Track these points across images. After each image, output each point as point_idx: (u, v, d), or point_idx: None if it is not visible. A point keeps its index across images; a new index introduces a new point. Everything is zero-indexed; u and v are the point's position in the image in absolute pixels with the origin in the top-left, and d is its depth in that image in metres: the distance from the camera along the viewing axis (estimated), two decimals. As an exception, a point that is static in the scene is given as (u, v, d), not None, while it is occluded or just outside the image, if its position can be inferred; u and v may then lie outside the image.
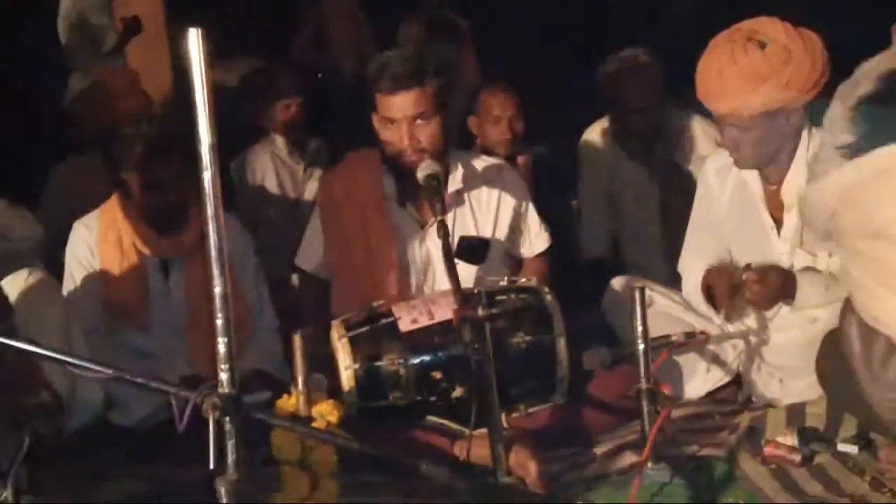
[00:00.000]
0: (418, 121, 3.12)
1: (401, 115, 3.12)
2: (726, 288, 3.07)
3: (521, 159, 4.27)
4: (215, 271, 1.82)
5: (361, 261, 3.29)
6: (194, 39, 1.80)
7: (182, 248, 3.38)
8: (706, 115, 3.77)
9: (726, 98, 3.00)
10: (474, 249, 2.90)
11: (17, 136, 4.94)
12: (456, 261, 2.76)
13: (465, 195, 3.31)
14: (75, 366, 2.02)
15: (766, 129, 3.04)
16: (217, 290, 1.82)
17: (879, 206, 0.55)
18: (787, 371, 3.16)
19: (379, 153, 3.28)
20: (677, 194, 3.99)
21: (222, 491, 1.70)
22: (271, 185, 4.60)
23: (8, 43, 5.42)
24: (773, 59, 2.96)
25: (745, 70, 2.96)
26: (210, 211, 1.82)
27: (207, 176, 1.81)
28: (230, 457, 1.80)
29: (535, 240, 3.47)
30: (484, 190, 3.35)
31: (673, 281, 3.50)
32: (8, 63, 5.39)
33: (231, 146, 4.77)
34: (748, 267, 3.07)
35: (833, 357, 2.80)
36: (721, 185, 3.29)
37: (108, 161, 3.48)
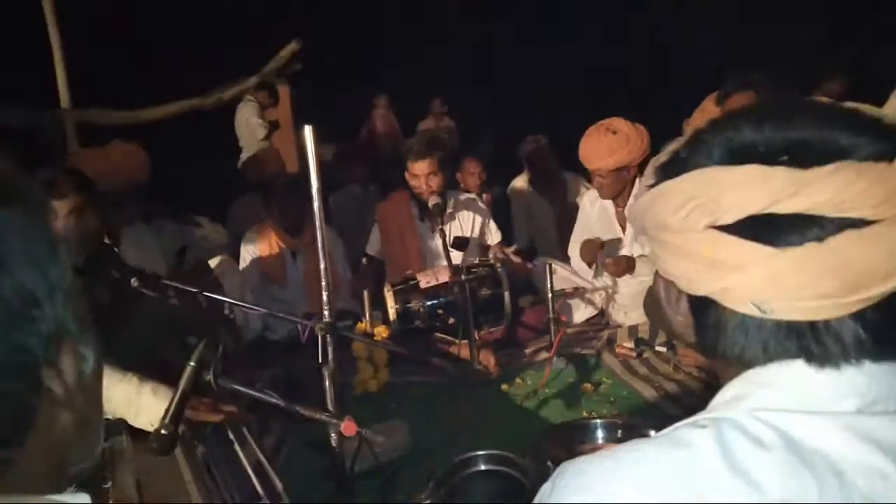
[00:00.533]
0: (430, 175, 3.09)
1: (420, 173, 3.09)
2: (590, 251, 3.06)
3: (485, 195, 4.26)
4: (321, 255, 1.81)
5: (400, 251, 3.27)
6: (308, 133, 1.78)
7: (301, 245, 3.36)
8: (580, 172, 3.78)
9: (595, 161, 2.99)
10: (462, 243, 2.89)
11: (213, 185, 4.94)
12: (451, 250, 2.76)
13: (456, 214, 3.30)
14: (247, 308, 2.00)
15: (617, 177, 3.03)
16: (322, 265, 1.80)
17: (662, 211, 0.54)
18: (628, 308, 3.15)
19: (408, 192, 3.26)
20: (564, 215, 4.00)
21: (325, 374, 1.69)
22: (350, 211, 4.59)
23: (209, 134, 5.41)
24: (621, 140, 2.95)
25: (605, 146, 2.95)
26: (317, 223, 1.80)
27: (316, 205, 1.79)
28: (329, 355, 1.78)
29: (494, 235, 3.45)
30: (465, 211, 3.34)
31: (562, 260, 3.49)
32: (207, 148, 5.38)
33: (328, 190, 4.77)
34: (602, 246, 3.04)
35: (652, 300, 2.81)
36: (592, 208, 3.28)
37: (263, 198, 3.47)
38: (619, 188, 3.09)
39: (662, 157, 0.73)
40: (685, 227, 0.66)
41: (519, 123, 6.10)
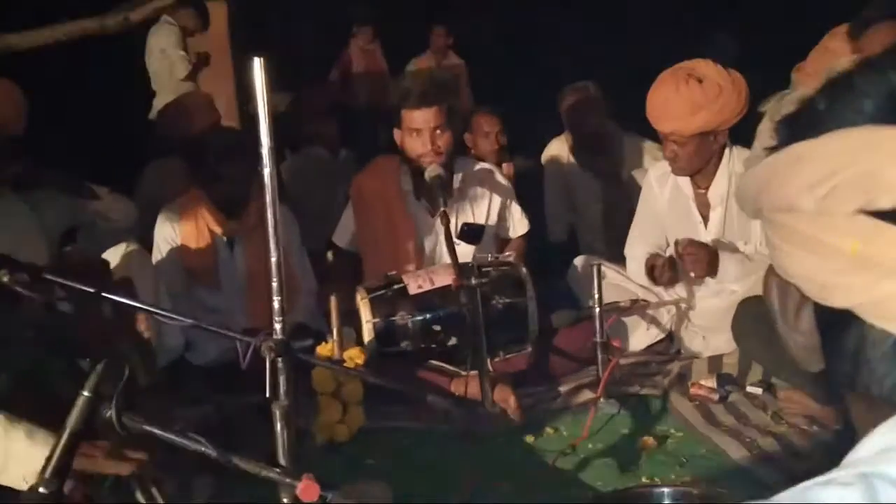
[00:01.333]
0: (437, 131, 3.08)
1: (424, 126, 3.07)
2: (665, 267, 3.08)
3: (505, 165, 4.28)
4: (272, 245, 1.81)
5: (385, 241, 3.27)
6: (258, 66, 1.79)
7: (243, 229, 3.37)
8: (645, 134, 3.80)
9: (670, 121, 2.99)
10: (473, 233, 2.90)
11: (116, 141, 4.94)
12: (458, 242, 2.77)
13: (465, 191, 3.29)
14: (163, 316, 2.02)
15: (699, 145, 3.03)
16: (273, 259, 1.81)
17: (789, 186, 0.54)
18: (708, 330, 3.17)
19: (398, 158, 3.26)
20: (616, 196, 4.01)
21: (276, 413, 1.70)
22: (312, 183, 4.60)
23: (106, 68, 5.43)
24: (709, 92, 2.95)
25: (686, 100, 2.95)
26: (269, 198, 1.80)
27: (267, 172, 1.80)
28: (282, 388, 1.80)
29: (518, 225, 3.45)
30: (478, 188, 3.33)
31: (614, 260, 3.50)
32: (99, 87, 5.40)
33: (281, 153, 4.79)
34: (681, 241, 3.06)
35: (745, 319, 2.82)
36: (661, 189, 3.28)
37: (187, 161, 3.48)
38: (701, 161, 3.09)
39: (788, 106, 0.73)
40: (824, 209, 0.65)
41: (555, 64, 6.12)
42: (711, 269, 3.03)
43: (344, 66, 6.92)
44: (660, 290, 3.27)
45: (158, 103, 5.07)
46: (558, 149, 4.36)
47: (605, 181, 4.17)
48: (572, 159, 4.27)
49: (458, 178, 3.27)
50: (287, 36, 6.80)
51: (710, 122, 2.97)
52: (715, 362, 3.07)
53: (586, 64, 5.03)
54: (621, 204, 3.65)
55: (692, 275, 3.08)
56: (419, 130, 3.09)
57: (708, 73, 2.98)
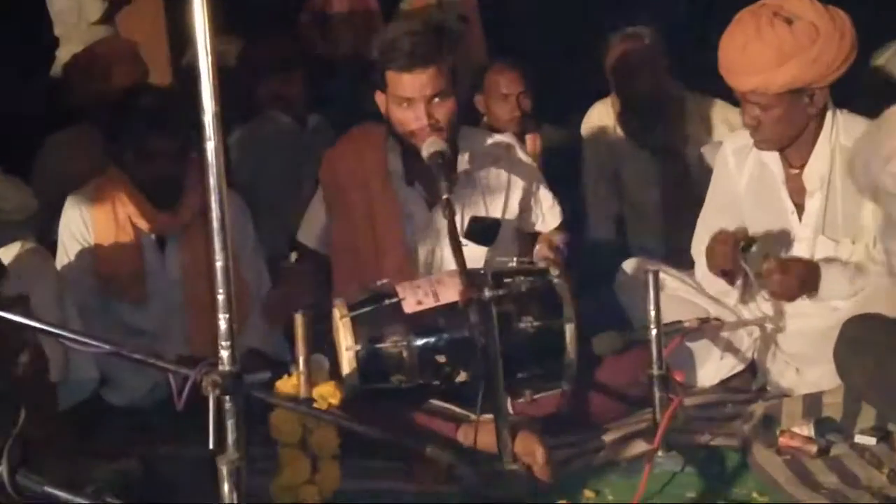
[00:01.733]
0: (436, 99, 3.09)
1: (418, 95, 3.08)
2: (727, 253, 3.06)
3: (529, 137, 4.29)
4: (217, 245, 1.82)
5: (366, 240, 3.29)
6: (199, 5, 1.80)
7: (178, 224, 3.39)
8: (721, 95, 3.79)
9: (750, 74, 3.00)
10: (485, 230, 2.90)
11: (8, 105, 4.94)
12: (465, 242, 2.77)
13: (474, 174, 3.30)
14: (72, 339, 2.03)
15: (790, 108, 3.04)
16: (219, 263, 1.82)
17: None
18: (803, 359, 3.17)
19: (384, 128, 3.27)
20: (679, 178, 4.02)
21: (224, 470, 1.71)
22: (270, 161, 4.60)
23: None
24: (801, 35, 2.96)
25: (771, 46, 2.96)
26: (213, 182, 1.82)
27: (211, 146, 1.81)
28: (230, 436, 1.80)
29: (549, 215, 3.45)
30: (493, 169, 3.34)
31: (677, 264, 3.51)
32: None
33: (230, 121, 4.79)
34: (753, 241, 3.07)
35: (853, 344, 2.82)
36: (739, 167, 3.28)
37: (103, 132, 3.48)
38: (793, 130, 3.09)
39: None
40: None
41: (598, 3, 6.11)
42: (807, 288, 3.03)
43: (318, 1, 6.89)
44: (738, 306, 3.26)
45: (64, 55, 5.07)
46: (602, 116, 4.38)
47: (664, 159, 4.18)
48: (623, 129, 4.28)
49: (464, 156, 3.28)
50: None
51: (802, 76, 2.98)
52: (812, 403, 3.07)
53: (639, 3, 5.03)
54: (686, 189, 3.65)
55: (772, 298, 3.09)
56: (410, 100, 3.10)
57: (800, 10, 3.00)
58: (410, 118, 3.10)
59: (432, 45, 3.10)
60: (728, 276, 3.13)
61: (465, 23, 6.26)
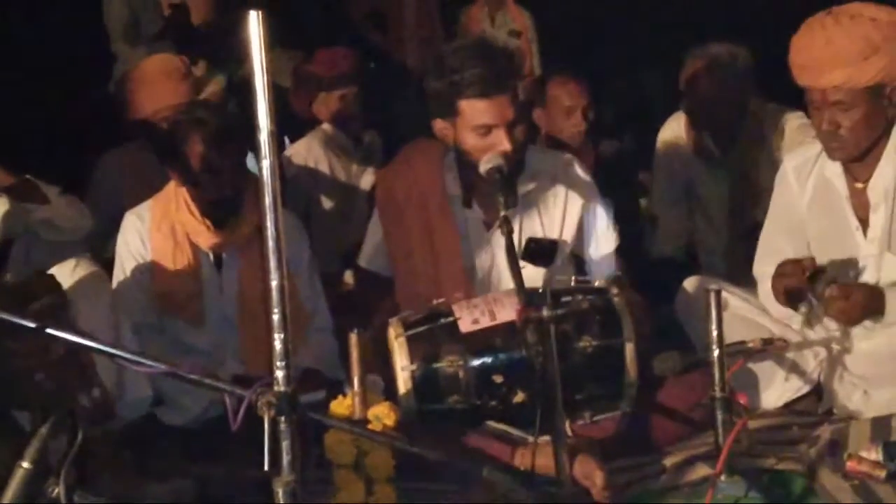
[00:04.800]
0: (512, 127, 3.07)
1: (500, 121, 3.06)
2: (794, 282, 3.02)
3: (591, 155, 4.28)
4: (272, 264, 1.84)
5: (425, 262, 3.30)
6: (254, 22, 1.81)
7: (236, 242, 3.41)
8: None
9: (836, 68, 2.95)
10: (543, 251, 2.90)
11: (68, 123, 5.01)
12: (523, 263, 2.77)
13: (532, 193, 3.30)
14: (127, 360, 2.05)
15: (871, 107, 3.00)
16: (274, 283, 1.83)
17: None
18: (871, 381, 3.12)
19: (439, 147, 3.28)
20: (754, 199, 3.99)
21: (279, 492, 1.71)
22: (324, 179, 4.64)
23: (53, 26, 5.51)
24: (885, 28, 2.94)
25: (858, 38, 2.93)
26: (268, 201, 1.83)
27: (266, 165, 1.82)
28: (285, 457, 1.81)
29: (603, 239, 3.44)
30: (551, 188, 3.34)
31: (743, 283, 3.48)
32: (54, 47, 5.48)
33: (285, 137, 4.83)
34: (831, 282, 3.03)
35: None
36: (801, 184, 3.25)
37: (160, 148, 3.52)
38: (871, 135, 3.05)
39: None
40: None
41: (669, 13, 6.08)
42: (872, 312, 3.00)
43: (375, 13, 6.91)
44: (803, 327, 3.22)
45: (120, 71, 5.15)
46: (676, 130, 4.36)
47: (739, 176, 4.15)
48: (696, 146, 4.28)
49: (525, 175, 3.26)
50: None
51: (889, 68, 2.95)
52: (881, 426, 3.02)
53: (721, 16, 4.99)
54: (761, 207, 3.61)
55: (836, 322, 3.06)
56: (490, 126, 3.07)
57: (875, 12, 2.98)
58: (490, 145, 3.06)
59: (507, 70, 3.10)
60: (792, 303, 3.11)
61: (517, 37, 6.33)
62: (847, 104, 2.98)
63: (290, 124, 4.84)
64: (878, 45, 2.92)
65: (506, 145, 3.06)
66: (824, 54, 2.96)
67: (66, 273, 3.11)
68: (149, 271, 3.41)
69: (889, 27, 2.94)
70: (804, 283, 3.00)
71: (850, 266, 3.14)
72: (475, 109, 3.07)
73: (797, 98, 3.29)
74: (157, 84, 4.11)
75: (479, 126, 3.08)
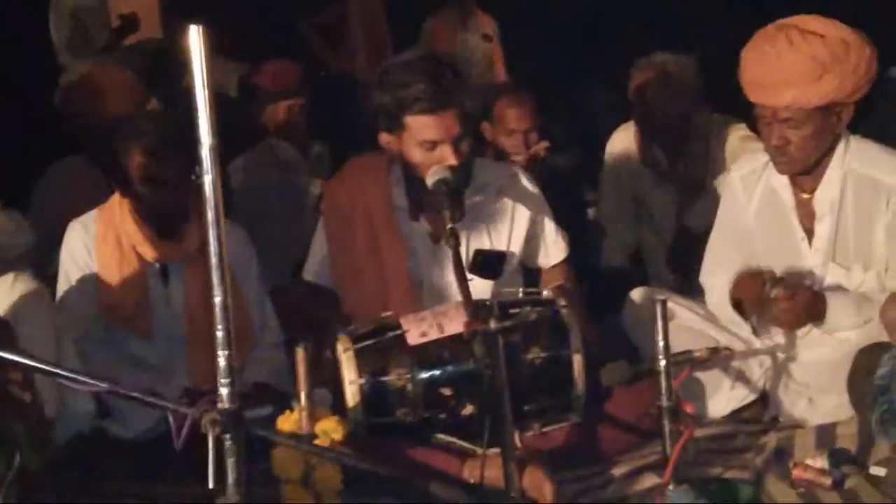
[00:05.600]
0: (458, 141, 3.08)
1: (445, 136, 3.06)
2: (757, 296, 3.06)
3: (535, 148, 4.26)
4: (215, 280, 1.83)
5: (371, 275, 3.28)
6: (195, 37, 1.80)
7: (183, 254, 3.38)
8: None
9: (786, 88, 2.97)
10: (490, 263, 2.90)
11: (8, 136, 4.96)
12: (470, 276, 2.76)
13: (480, 205, 3.29)
14: (68, 378, 2.02)
15: (820, 125, 3.03)
16: (217, 299, 1.82)
17: None
18: (816, 389, 3.15)
19: (386, 159, 3.27)
20: (701, 208, 4.03)
21: (223, 510, 1.70)
22: (272, 191, 4.61)
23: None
24: (834, 47, 2.96)
25: (808, 57, 2.95)
26: (211, 216, 1.82)
27: (208, 180, 1.81)
28: (230, 475, 1.80)
29: (553, 249, 3.44)
30: (498, 199, 3.33)
31: (690, 293, 3.51)
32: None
33: (230, 149, 4.80)
34: (779, 281, 3.06)
35: (867, 374, 2.80)
36: (748, 194, 3.29)
37: (104, 159, 3.47)
38: (819, 150, 3.08)
39: None
40: None
41: (620, 21, 6.11)
42: (813, 317, 3.02)
43: (324, 22, 6.90)
44: (749, 335, 3.25)
45: (66, 80, 5.10)
46: (625, 141, 4.38)
47: (687, 187, 4.18)
48: (646, 157, 4.30)
49: (473, 188, 3.26)
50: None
51: (841, 88, 2.97)
52: (826, 434, 3.05)
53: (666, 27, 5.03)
54: (709, 218, 3.64)
55: (778, 326, 3.09)
56: (436, 142, 3.07)
57: (823, 28, 3.00)
58: (435, 160, 3.06)
59: (454, 85, 3.09)
60: (744, 313, 3.14)
61: (489, 42, 6.38)
62: (796, 122, 3.01)
63: (236, 136, 4.81)
64: (829, 64, 2.94)
65: (452, 160, 3.05)
66: (775, 73, 2.98)
67: (5, 289, 3.06)
68: (95, 282, 3.36)
69: (839, 45, 2.96)
70: (763, 293, 3.03)
71: (794, 275, 3.17)
72: (421, 125, 3.06)
73: (738, 107, 3.32)
74: (105, 95, 4.07)
75: (425, 141, 3.07)
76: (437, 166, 3.05)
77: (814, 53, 2.94)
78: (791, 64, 2.96)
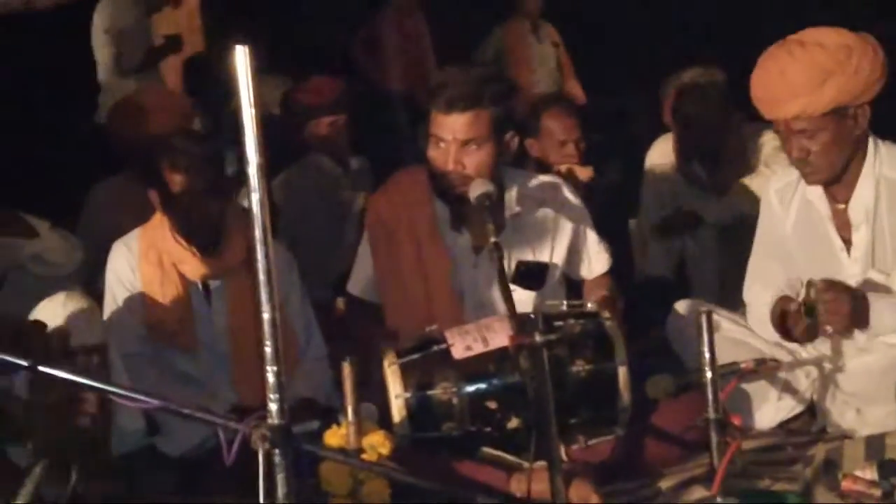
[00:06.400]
0: (471, 146, 3.14)
1: (450, 137, 3.15)
2: (800, 314, 3.05)
3: (581, 171, 4.27)
4: (263, 297, 1.84)
5: (415, 288, 3.31)
6: (241, 57, 1.82)
7: (223, 270, 3.39)
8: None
9: (792, 99, 2.99)
10: (532, 274, 2.90)
11: (56, 155, 5.02)
12: (513, 287, 2.77)
13: (521, 216, 3.31)
14: (119, 395, 2.04)
15: (836, 130, 3.02)
16: (265, 316, 1.83)
17: None
18: (864, 399, 3.12)
19: (426, 172, 3.30)
20: (739, 218, 4.02)
21: (275, 526, 1.71)
22: (314, 206, 4.64)
23: (38, 58, 5.52)
24: (836, 52, 2.97)
25: (809, 66, 2.97)
26: (258, 234, 1.83)
27: (255, 198, 1.83)
28: (280, 490, 1.81)
29: (595, 261, 3.46)
30: (540, 211, 3.36)
31: (734, 306, 3.49)
32: (37, 79, 5.49)
33: (274, 164, 4.84)
34: (815, 282, 3.04)
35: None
36: (784, 207, 3.28)
37: (147, 177, 3.51)
38: (841, 156, 3.07)
39: None
40: None
41: (660, 43, 6.13)
42: (858, 319, 2.99)
43: (367, 40, 6.93)
44: (795, 345, 3.23)
45: (106, 101, 5.16)
46: (665, 152, 4.37)
47: (725, 197, 4.17)
48: (684, 168, 4.30)
49: (511, 199, 3.30)
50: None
51: (846, 91, 2.98)
52: (875, 444, 3.02)
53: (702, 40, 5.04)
54: (745, 231, 3.63)
55: (828, 329, 3.05)
56: (444, 140, 3.15)
57: (827, 37, 3.01)
58: (441, 159, 3.17)
59: (473, 92, 3.14)
60: (785, 331, 3.12)
61: (558, 49, 6.46)
62: (811, 131, 3.01)
63: (280, 152, 4.84)
64: (830, 70, 2.95)
65: (448, 164, 3.13)
66: (779, 86, 3.01)
67: (57, 307, 3.09)
68: (140, 301, 3.39)
69: (840, 50, 2.97)
70: (799, 318, 3.02)
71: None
72: (435, 121, 3.17)
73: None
74: (152, 113, 4.12)
75: (436, 137, 3.17)
76: (480, 179, 3.07)
77: (814, 62, 2.96)
78: (794, 76, 2.98)
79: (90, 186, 4.32)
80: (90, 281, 3.60)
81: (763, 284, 3.28)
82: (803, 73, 2.97)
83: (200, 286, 3.43)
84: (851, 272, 3.15)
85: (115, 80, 5.52)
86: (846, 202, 3.15)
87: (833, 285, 2.98)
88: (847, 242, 3.17)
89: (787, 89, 2.99)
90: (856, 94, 3.00)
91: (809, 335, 3.12)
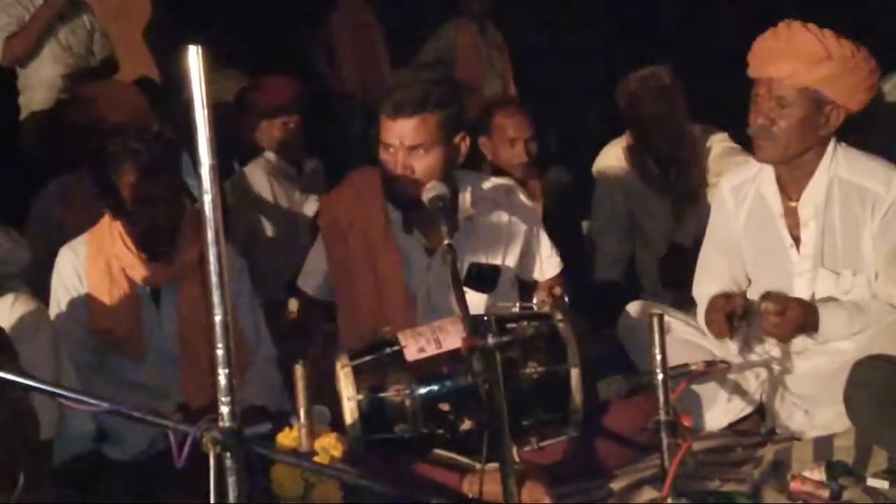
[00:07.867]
0: (419, 151, 3.15)
1: (397, 142, 3.16)
2: (724, 317, 3.11)
3: (533, 184, 4.30)
4: (216, 299, 1.82)
5: (368, 289, 3.31)
6: (194, 57, 1.80)
7: (173, 275, 3.36)
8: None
9: (790, 60, 3.06)
10: (485, 277, 2.89)
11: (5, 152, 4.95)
12: (465, 289, 2.77)
13: (474, 219, 3.32)
14: (69, 398, 2.01)
15: (808, 116, 3.07)
16: (217, 318, 1.82)
17: None
18: (812, 401, 3.16)
19: (379, 173, 3.29)
20: (691, 220, 4.04)
21: (225, 530, 1.70)
22: (267, 207, 4.61)
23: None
24: (845, 48, 3.05)
25: (819, 42, 3.04)
26: (210, 236, 1.82)
27: (208, 199, 1.81)
28: (231, 493, 1.79)
29: (547, 264, 3.48)
30: (493, 214, 3.37)
31: (686, 307, 3.51)
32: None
33: (225, 165, 4.80)
34: (767, 296, 3.08)
35: (862, 386, 2.81)
36: (737, 204, 3.31)
37: (96, 179, 3.46)
38: (800, 144, 3.11)
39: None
40: None
41: (612, 42, 6.16)
42: (804, 329, 3.05)
43: (325, 38, 6.88)
44: (744, 347, 3.26)
45: (25, 101, 5.07)
46: (613, 157, 4.40)
47: (678, 198, 4.20)
48: (637, 170, 4.31)
49: (465, 201, 3.30)
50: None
51: (837, 81, 3.04)
52: (823, 446, 3.06)
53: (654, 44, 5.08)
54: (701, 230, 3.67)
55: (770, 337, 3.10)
56: (390, 146, 3.17)
57: (843, 39, 3.08)
58: (390, 163, 3.18)
59: (418, 98, 3.16)
60: (723, 336, 3.17)
61: (501, 53, 6.48)
62: (787, 101, 3.06)
63: (234, 147, 4.81)
64: (834, 55, 3.03)
65: (396, 169, 3.15)
66: (783, 46, 3.08)
67: (5, 309, 3.05)
68: (86, 307, 3.33)
69: (848, 48, 3.06)
70: (732, 323, 3.09)
71: (785, 288, 3.19)
72: (383, 126, 3.19)
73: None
74: (106, 104, 4.06)
75: (384, 143, 3.19)
76: (433, 181, 3.08)
77: (824, 42, 3.04)
78: (801, 43, 3.06)
79: (39, 185, 4.26)
80: (38, 283, 3.55)
81: (711, 281, 3.32)
82: (810, 45, 3.04)
83: (149, 290, 3.38)
84: (801, 269, 3.20)
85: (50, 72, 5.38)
86: (798, 199, 3.19)
87: (784, 311, 3.02)
88: (797, 240, 3.21)
89: (788, 50, 3.06)
90: (841, 91, 3.06)
91: (733, 335, 3.17)
